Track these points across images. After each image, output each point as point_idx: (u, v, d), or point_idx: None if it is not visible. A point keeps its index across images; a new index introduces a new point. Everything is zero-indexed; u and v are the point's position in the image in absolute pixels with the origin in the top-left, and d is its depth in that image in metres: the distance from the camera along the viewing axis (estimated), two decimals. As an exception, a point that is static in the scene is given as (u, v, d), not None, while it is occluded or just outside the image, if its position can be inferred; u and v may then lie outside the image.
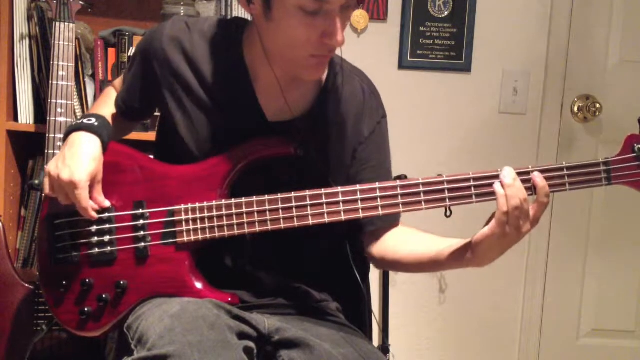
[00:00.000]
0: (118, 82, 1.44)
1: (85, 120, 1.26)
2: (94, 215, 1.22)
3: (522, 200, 1.08)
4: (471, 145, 2.45)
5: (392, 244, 1.31)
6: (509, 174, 1.10)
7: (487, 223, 1.11)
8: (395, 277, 2.45)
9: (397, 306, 2.42)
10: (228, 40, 1.27)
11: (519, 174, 1.11)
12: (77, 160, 1.19)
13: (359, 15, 2.35)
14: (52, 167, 1.22)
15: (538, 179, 1.11)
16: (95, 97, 2.03)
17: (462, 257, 1.16)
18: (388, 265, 1.36)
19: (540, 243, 2.51)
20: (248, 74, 1.26)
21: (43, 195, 1.26)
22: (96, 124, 1.25)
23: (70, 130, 1.26)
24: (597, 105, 2.43)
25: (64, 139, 1.26)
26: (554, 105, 2.46)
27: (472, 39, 2.40)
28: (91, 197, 1.21)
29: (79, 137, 1.23)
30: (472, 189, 1.14)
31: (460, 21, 2.39)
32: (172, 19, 1.31)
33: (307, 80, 1.26)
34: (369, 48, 2.37)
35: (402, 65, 2.41)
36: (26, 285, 1.73)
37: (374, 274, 2.34)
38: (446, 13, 2.39)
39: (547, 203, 1.11)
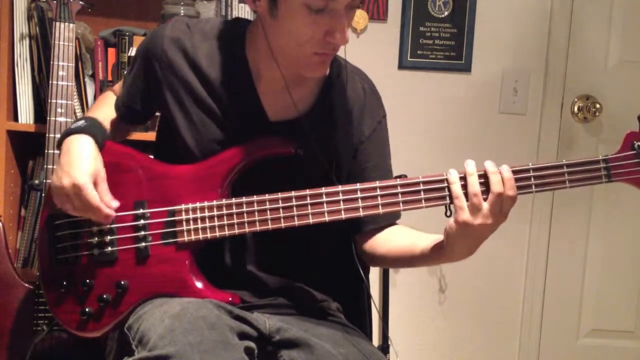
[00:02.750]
0: (117, 86, 1.44)
1: (73, 125, 1.26)
2: (110, 213, 1.20)
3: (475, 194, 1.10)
4: (471, 145, 2.45)
5: (382, 240, 1.32)
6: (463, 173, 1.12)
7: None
8: (395, 277, 2.45)
9: (397, 306, 2.42)
10: (230, 41, 1.27)
11: (515, 172, 1.12)
12: (74, 164, 1.19)
13: (358, 15, 2.35)
14: (54, 179, 1.21)
15: (506, 172, 1.11)
16: (95, 97, 2.03)
17: (438, 252, 1.19)
18: (376, 262, 1.37)
19: (540, 243, 2.51)
20: (250, 73, 1.26)
21: (43, 195, 1.26)
22: (84, 124, 1.25)
23: (61, 138, 1.26)
24: (597, 105, 2.43)
25: (58, 149, 1.26)
26: (554, 105, 2.46)
27: (472, 39, 2.40)
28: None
29: (71, 141, 1.23)
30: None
31: (460, 21, 2.39)
32: (172, 20, 1.31)
33: (310, 78, 1.26)
34: (369, 48, 2.37)
35: (402, 65, 2.41)
36: (26, 285, 1.72)
37: (374, 274, 2.35)
38: (446, 13, 2.39)
39: (511, 196, 1.10)
